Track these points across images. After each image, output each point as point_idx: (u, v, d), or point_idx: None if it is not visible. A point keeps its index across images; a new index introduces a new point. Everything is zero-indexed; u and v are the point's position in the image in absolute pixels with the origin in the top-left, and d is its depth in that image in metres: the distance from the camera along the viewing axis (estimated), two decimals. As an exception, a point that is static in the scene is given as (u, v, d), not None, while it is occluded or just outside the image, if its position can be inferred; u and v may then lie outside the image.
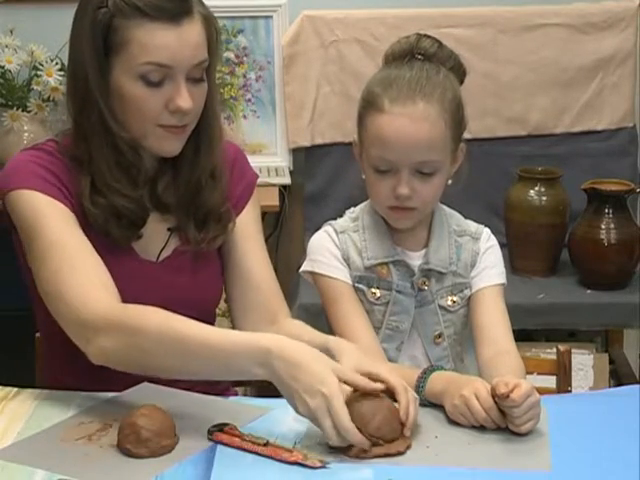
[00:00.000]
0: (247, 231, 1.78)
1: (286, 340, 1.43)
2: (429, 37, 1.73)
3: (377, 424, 1.41)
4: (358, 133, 1.74)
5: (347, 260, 1.76)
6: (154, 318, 1.48)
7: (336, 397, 1.38)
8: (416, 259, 1.76)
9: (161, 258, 1.72)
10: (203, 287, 1.75)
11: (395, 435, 1.43)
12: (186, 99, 1.60)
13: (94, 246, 1.60)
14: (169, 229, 1.73)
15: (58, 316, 1.57)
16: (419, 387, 1.56)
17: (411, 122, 1.65)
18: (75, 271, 1.55)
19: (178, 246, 1.73)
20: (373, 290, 1.76)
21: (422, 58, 1.70)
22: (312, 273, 1.79)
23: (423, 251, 1.77)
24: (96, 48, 1.59)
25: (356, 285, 1.76)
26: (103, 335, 1.48)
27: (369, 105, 1.70)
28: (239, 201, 1.79)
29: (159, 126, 1.62)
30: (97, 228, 1.63)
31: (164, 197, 1.71)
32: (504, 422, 1.47)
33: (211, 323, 1.72)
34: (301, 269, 1.80)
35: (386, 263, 1.75)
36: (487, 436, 1.47)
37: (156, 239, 1.70)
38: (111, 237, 1.64)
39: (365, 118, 1.70)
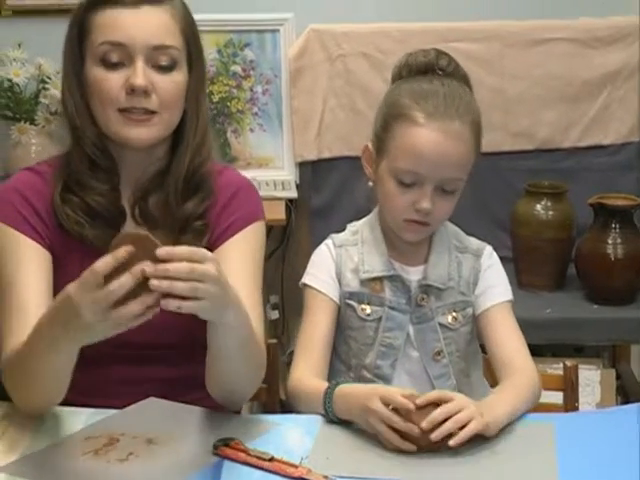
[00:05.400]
0: (230, 264, 1.65)
1: None
2: (445, 54, 1.72)
3: None
4: (379, 142, 1.71)
5: (339, 275, 1.75)
6: None
7: None
8: (414, 274, 1.75)
9: None
10: None
11: None
12: (140, 77, 1.60)
13: (78, 261, 1.58)
14: None
15: None
16: (326, 405, 1.56)
17: (447, 139, 1.64)
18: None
19: None
20: (363, 306, 1.74)
21: (442, 74, 1.70)
22: (304, 285, 1.78)
23: (422, 267, 1.75)
24: (72, 42, 1.66)
25: (347, 301, 1.75)
26: None
27: (399, 116, 1.67)
28: (227, 230, 1.71)
29: (119, 111, 1.63)
30: (71, 231, 1.64)
31: (154, 212, 1.69)
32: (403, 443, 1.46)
33: (197, 348, 1.59)
34: (300, 281, 1.80)
35: (380, 278, 1.74)
36: (494, 453, 1.46)
37: None
38: (86, 240, 1.63)
39: (394, 128, 1.67)
